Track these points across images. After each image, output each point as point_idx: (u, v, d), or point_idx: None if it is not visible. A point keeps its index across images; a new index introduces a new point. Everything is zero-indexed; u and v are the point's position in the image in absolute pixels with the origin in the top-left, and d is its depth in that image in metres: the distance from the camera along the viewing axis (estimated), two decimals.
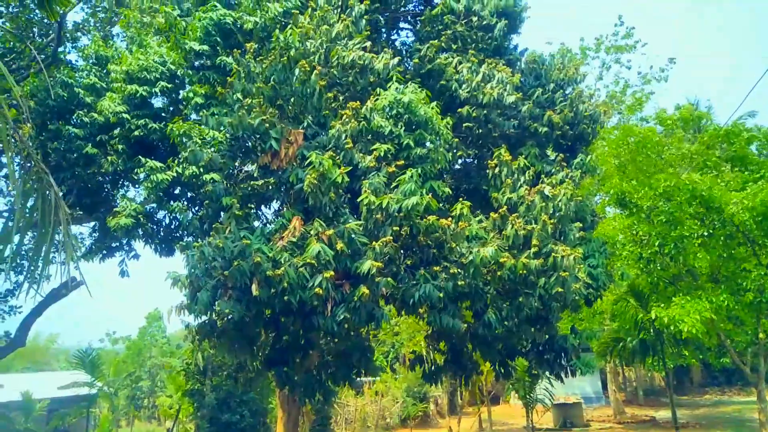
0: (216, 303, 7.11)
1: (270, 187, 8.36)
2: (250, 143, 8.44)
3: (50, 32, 15.25)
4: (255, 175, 8.62)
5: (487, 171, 10.53)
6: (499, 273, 8.80)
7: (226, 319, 8.32)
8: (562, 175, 10.77)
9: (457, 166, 12.12)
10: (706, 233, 14.36)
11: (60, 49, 15.46)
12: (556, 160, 11.27)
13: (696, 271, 16.97)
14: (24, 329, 16.83)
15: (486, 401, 28.23)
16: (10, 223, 13.23)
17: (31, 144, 13.07)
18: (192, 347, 14.04)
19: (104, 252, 13.65)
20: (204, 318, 8.52)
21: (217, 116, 8.46)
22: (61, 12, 13.16)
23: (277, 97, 8.75)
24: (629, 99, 24.59)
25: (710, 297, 14.94)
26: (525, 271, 8.85)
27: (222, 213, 8.35)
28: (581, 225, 10.09)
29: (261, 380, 14.48)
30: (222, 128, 8.39)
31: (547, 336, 10.02)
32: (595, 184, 15.61)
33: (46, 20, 14.87)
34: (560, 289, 8.90)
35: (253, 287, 6.80)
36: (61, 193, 13.59)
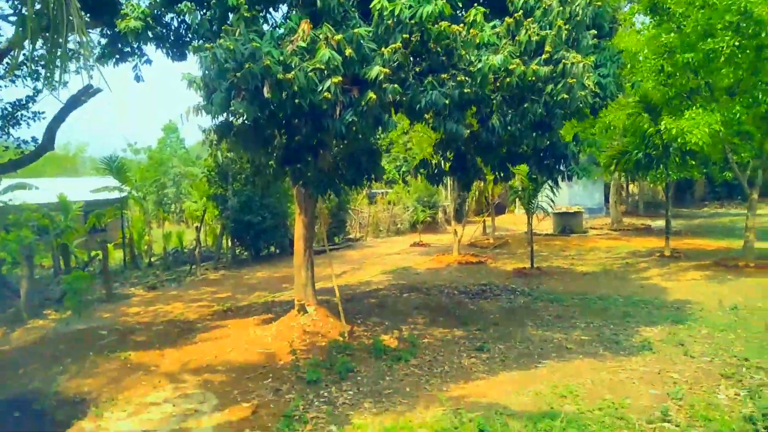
0: (231, 103, 7.47)
1: None
2: None
3: None
4: None
5: None
6: (507, 80, 8.89)
7: (241, 119, 8.75)
8: None
9: None
10: (736, 44, 13.99)
11: None
12: None
13: (714, 85, 16.84)
14: (49, 134, 17.59)
15: (491, 210, 29.97)
16: (20, 30, 13.15)
17: None
18: (211, 150, 14.80)
19: (117, 57, 13.70)
20: (220, 118, 8.96)
21: None
22: None
23: None
24: None
25: (723, 110, 15.09)
26: (534, 78, 8.93)
27: (230, 14, 8.28)
28: (596, 33, 9.84)
29: (277, 182, 15.47)
30: None
31: (548, 142, 10.44)
32: None
33: None
34: (566, 96, 9.03)
35: (265, 90, 7.08)
36: None
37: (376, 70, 7.41)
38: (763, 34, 13.55)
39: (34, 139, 18.27)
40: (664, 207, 23.60)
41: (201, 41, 8.52)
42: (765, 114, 15.90)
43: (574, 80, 8.94)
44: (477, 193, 28.61)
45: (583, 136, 18.05)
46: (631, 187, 46.94)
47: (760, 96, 14.90)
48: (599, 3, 9.52)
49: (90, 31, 15.77)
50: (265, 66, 6.89)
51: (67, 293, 14.86)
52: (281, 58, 7.17)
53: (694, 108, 14.91)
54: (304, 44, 7.34)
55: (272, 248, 27.19)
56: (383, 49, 7.60)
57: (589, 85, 9.33)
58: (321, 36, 7.30)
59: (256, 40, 7.23)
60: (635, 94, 17.59)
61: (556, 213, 30.01)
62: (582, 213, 32.69)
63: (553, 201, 20.85)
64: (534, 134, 9.87)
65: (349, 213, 33.43)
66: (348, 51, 7.25)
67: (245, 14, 7.45)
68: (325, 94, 7.11)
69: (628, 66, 15.65)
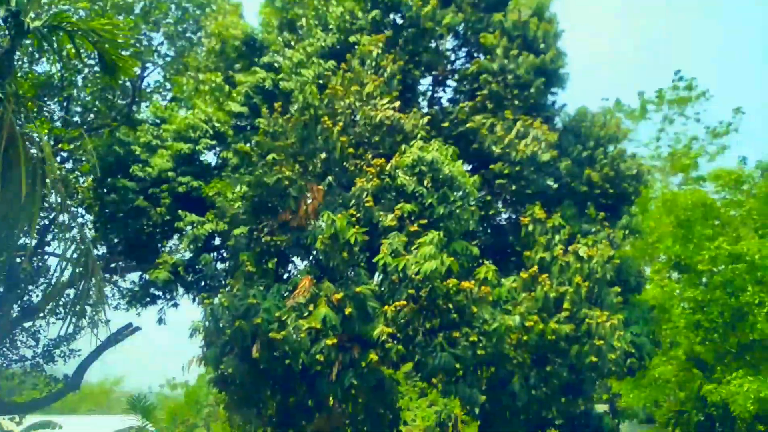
0: (223, 360, 7.10)
1: (290, 244, 8.42)
2: (269, 200, 8.56)
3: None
4: (276, 232, 8.72)
5: (521, 229, 10.20)
6: (525, 338, 8.32)
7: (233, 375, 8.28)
8: (603, 235, 10.24)
9: (490, 224, 11.79)
10: None
11: (135, 108, 16.78)
12: (596, 219, 10.73)
13: (767, 342, 15.48)
14: (80, 372, 17.52)
15: None
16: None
17: (91, 195, 14.11)
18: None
19: (148, 300, 14.18)
20: (218, 372, 8.52)
21: (238, 175, 8.70)
22: (123, 80, 14.37)
23: (301, 154, 8.92)
24: (696, 151, 23.36)
25: None
26: (554, 337, 8.34)
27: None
28: (619, 289, 9.44)
29: None
30: (242, 187, 8.62)
31: (582, 407, 9.29)
32: (646, 245, 14.77)
33: (127, 82, 16.12)
34: (594, 359, 8.30)
35: (254, 349, 6.74)
36: (114, 242, 14.29)
37: (378, 330, 7.03)
38: None
39: (65, 376, 18.06)
40: None
41: (212, 292, 8.62)
42: None
43: (602, 342, 8.27)
44: None
45: (641, 393, 16.37)
46: None
47: None
48: (617, 261, 9.30)
49: (135, 273, 16.81)
50: (256, 324, 6.66)
51: None
52: (278, 314, 6.97)
53: (741, 371, 13.50)
54: (303, 300, 7.20)
55: None
56: (386, 307, 7.33)
57: (619, 345, 8.59)
58: (321, 293, 7.18)
59: (257, 295, 7.16)
60: (675, 351, 16.36)
61: None
62: None
63: None
64: (563, 399, 8.84)
65: None
66: (348, 309, 7.01)
67: (250, 269, 7.55)
68: (318, 356, 6.66)
69: (663, 321, 14.82)
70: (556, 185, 11.02)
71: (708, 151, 23.23)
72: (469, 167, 11.28)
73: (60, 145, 15.88)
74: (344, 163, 9.22)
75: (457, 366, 7.45)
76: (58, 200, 10.48)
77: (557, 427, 9.67)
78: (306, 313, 7.17)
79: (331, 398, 8.10)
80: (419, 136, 9.33)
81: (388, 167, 8.94)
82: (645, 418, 26.25)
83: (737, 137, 22.14)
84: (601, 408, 10.22)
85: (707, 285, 14.67)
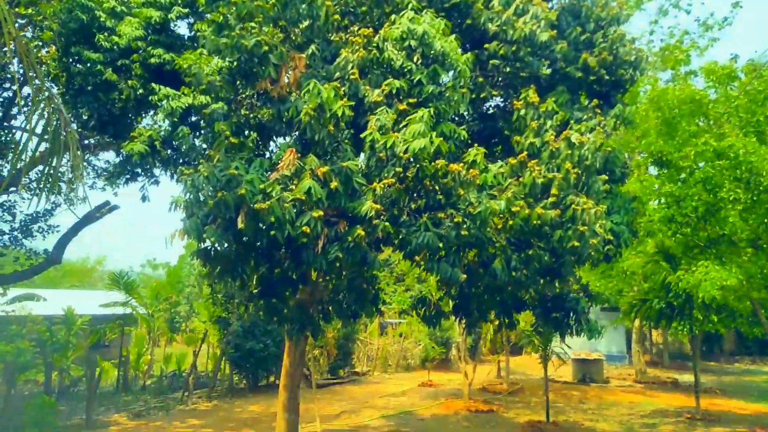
0: (205, 230, 6.97)
1: (270, 117, 8.02)
2: (247, 67, 7.99)
3: None
4: (256, 103, 8.28)
5: (512, 114, 9.91)
6: (510, 222, 8.32)
7: (216, 247, 8.21)
8: (594, 123, 10.02)
9: (479, 111, 11.43)
10: (748, 200, 13.45)
11: None
12: (588, 106, 10.46)
13: (735, 236, 15.98)
14: (60, 247, 17.50)
15: (506, 350, 28.22)
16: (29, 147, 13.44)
17: (56, 66, 13.12)
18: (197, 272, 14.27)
19: (127, 177, 13.82)
20: (202, 245, 8.45)
21: (213, 38, 8.03)
22: None
23: (282, 19, 8.24)
24: (688, 45, 22.71)
25: (743, 264, 14.14)
26: (539, 222, 8.36)
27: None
28: (607, 178, 9.39)
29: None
30: (218, 52, 8.01)
31: (558, 290, 9.58)
32: (633, 139, 14.65)
33: None
34: (576, 244, 8.39)
35: (239, 219, 6.59)
36: (84, 117, 13.52)
37: (366, 206, 6.89)
38: None
39: (45, 251, 18.08)
40: (691, 360, 21.64)
41: (190, 166, 8.30)
42: None
43: (586, 228, 8.31)
44: (492, 331, 27.18)
45: (609, 283, 17.03)
46: (654, 335, 44.39)
47: None
48: (609, 149, 9.16)
49: (110, 151, 16.30)
50: (240, 195, 6.46)
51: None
52: (262, 186, 6.76)
53: (707, 261, 13.98)
54: (288, 173, 6.96)
55: (272, 378, 25.57)
56: (375, 184, 7.15)
57: (600, 232, 8.67)
58: (306, 166, 6.94)
59: (239, 166, 6.89)
60: (649, 240, 16.82)
61: (575, 359, 28.04)
62: (602, 360, 30.47)
63: (569, 346, 19.34)
64: (541, 280, 9.06)
65: (358, 344, 31.89)
66: (334, 184, 6.81)
67: (231, 140, 7.20)
68: (304, 227, 6.55)
69: (638, 215, 15.16)
70: (549, 70, 10.58)
71: (699, 46, 22.62)
72: (461, 47, 10.71)
73: (16, 9, 14.58)
74: (329, 34, 8.60)
75: (440, 245, 7.45)
76: (21, 70, 9.61)
77: (532, 309, 10.05)
78: (291, 186, 6.97)
79: (314, 272, 8.19)
80: (410, 6, 8.65)
81: (375, 39, 8.37)
82: (612, 306, 27.73)
83: (735, 32, 21.58)
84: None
85: (686, 181, 14.81)
